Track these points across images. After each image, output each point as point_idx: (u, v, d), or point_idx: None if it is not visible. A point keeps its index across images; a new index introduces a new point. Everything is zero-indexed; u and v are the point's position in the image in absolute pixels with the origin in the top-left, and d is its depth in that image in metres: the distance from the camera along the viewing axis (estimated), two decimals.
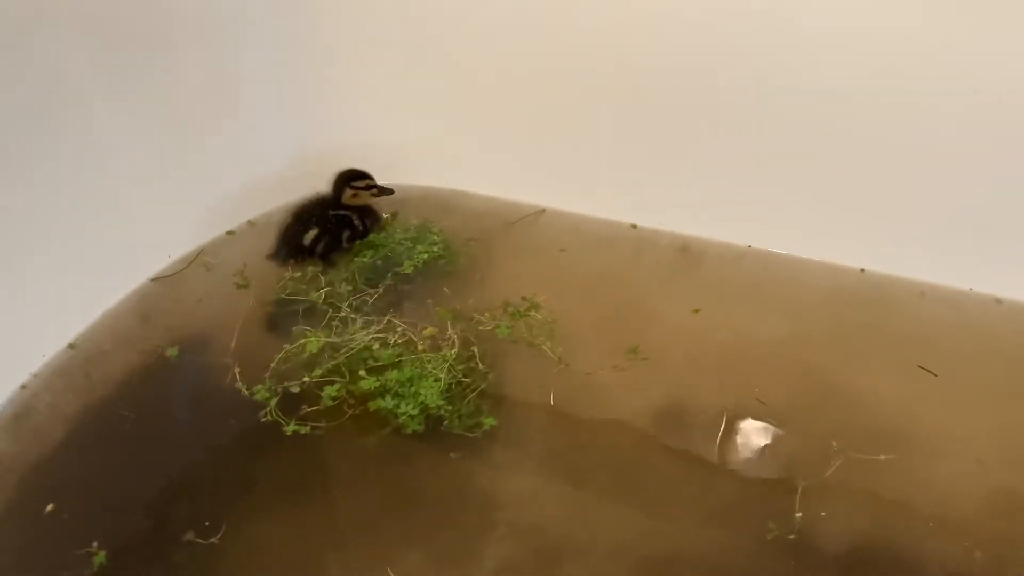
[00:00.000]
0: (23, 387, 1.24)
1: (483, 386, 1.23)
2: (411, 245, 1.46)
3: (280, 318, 1.36)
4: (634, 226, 1.53)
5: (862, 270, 1.43)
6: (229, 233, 1.53)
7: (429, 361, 1.22)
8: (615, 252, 1.50)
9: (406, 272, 1.41)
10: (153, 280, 1.43)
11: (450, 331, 1.29)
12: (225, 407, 1.22)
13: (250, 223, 1.55)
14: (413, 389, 1.18)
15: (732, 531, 1.09)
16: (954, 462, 1.17)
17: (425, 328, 1.30)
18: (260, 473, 1.14)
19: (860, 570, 1.06)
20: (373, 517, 1.10)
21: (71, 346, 1.30)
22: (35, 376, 1.25)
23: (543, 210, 1.57)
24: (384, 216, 1.54)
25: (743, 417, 1.22)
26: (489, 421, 1.18)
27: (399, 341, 1.27)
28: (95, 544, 1.05)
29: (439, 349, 1.26)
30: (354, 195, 1.49)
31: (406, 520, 1.09)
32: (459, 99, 1.56)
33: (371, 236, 1.49)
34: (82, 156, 1.32)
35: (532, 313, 1.36)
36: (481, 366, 1.25)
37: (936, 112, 1.30)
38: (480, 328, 1.32)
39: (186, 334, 1.34)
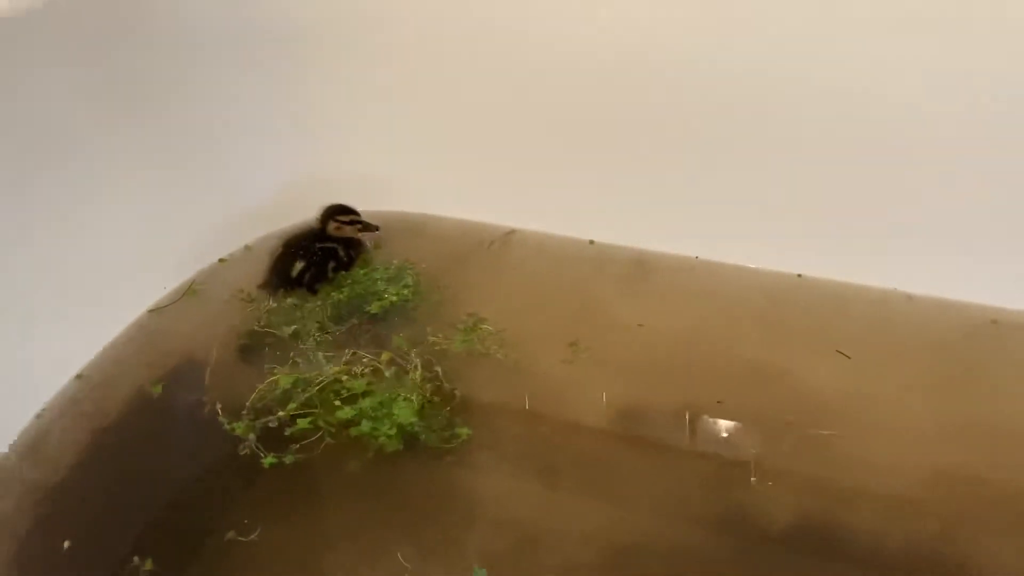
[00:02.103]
0: (38, 416, 1.26)
1: (453, 402, 1.25)
2: (384, 287, 1.46)
3: (256, 351, 1.37)
4: (592, 242, 1.57)
5: (799, 275, 1.47)
6: (221, 261, 1.55)
7: (398, 386, 1.25)
8: (576, 267, 1.53)
9: (373, 312, 1.42)
10: (151, 311, 1.45)
11: (412, 355, 1.31)
12: (213, 438, 1.23)
13: (246, 247, 1.58)
14: (387, 412, 1.21)
15: (689, 514, 1.13)
16: (893, 440, 1.22)
17: (383, 354, 1.32)
18: (254, 498, 1.16)
19: (807, 543, 1.10)
20: (363, 523, 1.13)
21: (79, 376, 1.32)
22: (48, 406, 1.28)
23: (512, 231, 1.60)
24: (369, 247, 1.55)
25: (698, 411, 1.26)
26: (464, 431, 1.21)
27: (365, 372, 1.29)
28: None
29: (405, 374, 1.28)
30: (338, 228, 1.50)
31: (394, 523, 1.12)
32: (434, 129, 1.59)
33: (353, 271, 1.50)
34: (80, 191, 1.34)
35: (485, 327, 1.38)
36: (447, 384, 1.27)
37: (865, 127, 1.34)
38: (440, 348, 1.34)
39: (173, 366, 1.36)
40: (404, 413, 1.20)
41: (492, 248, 1.57)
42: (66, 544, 1.10)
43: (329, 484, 1.17)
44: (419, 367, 1.29)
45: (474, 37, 1.48)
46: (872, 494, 1.15)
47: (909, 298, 1.43)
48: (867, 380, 1.31)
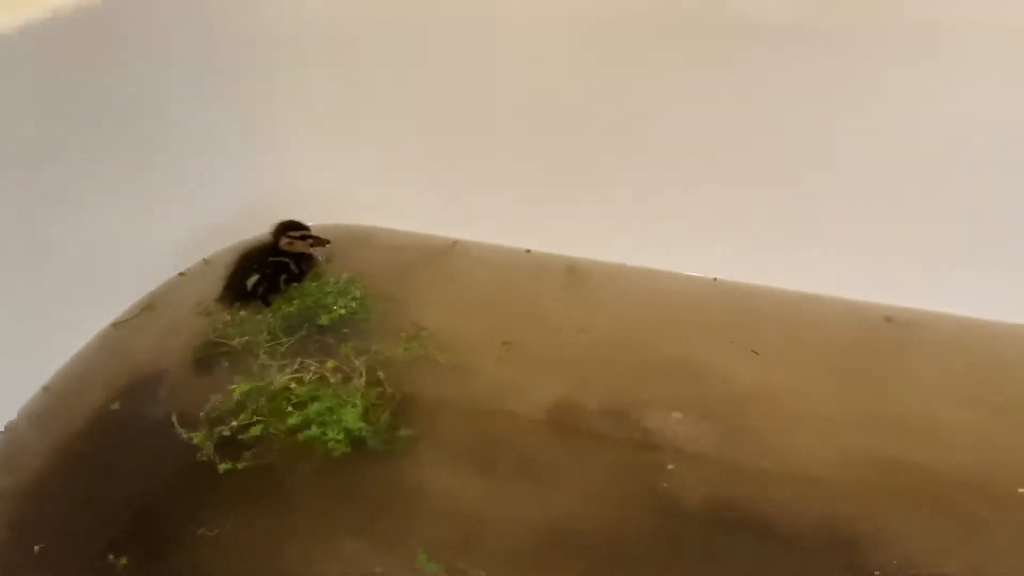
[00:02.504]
0: (5, 429, 1.30)
1: (395, 405, 1.31)
2: (334, 299, 1.51)
3: (212, 362, 1.42)
4: (528, 251, 1.64)
5: (715, 279, 1.57)
6: (181, 275, 1.60)
7: (344, 392, 1.31)
8: (513, 275, 1.60)
9: (322, 324, 1.47)
10: (114, 325, 1.49)
11: (356, 363, 1.38)
12: (174, 446, 1.28)
13: (205, 261, 1.63)
14: (334, 417, 1.27)
15: (618, 500, 1.20)
16: (803, 428, 1.30)
17: (328, 362, 1.37)
18: (215, 500, 1.20)
19: (725, 524, 1.17)
20: (318, 519, 1.18)
21: (45, 388, 1.36)
22: (16, 418, 1.31)
23: (455, 241, 1.67)
24: (320, 261, 1.60)
25: (625, 406, 1.33)
26: (406, 432, 1.28)
27: (313, 379, 1.35)
28: None
29: (351, 381, 1.34)
30: (290, 243, 1.55)
31: (345, 518, 1.17)
32: (382, 144, 1.65)
33: (305, 284, 1.55)
34: (42, 206, 1.35)
35: (427, 334, 1.45)
36: (389, 389, 1.34)
37: (770, 138, 1.44)
38: (384, 356, 1.41)
39: (135, 377, 1.40)
40: (350, 418, 1.26)
41: (429, 259, 1.64)
42: (36, 548, 1.13)
43: (283, 485, 1.22)
44: (364, 374, 1.35)
45: (418, 57, 1.55)
46: (785, 478, 1.23)
47: (813, 298, 1.52)
48: (778, 373, 1.40)
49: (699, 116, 1.46)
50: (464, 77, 1.55)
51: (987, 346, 1.43)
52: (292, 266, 1.55)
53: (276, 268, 1.54)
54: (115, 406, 1.35)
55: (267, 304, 1.52)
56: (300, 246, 1.56)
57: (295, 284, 1.55)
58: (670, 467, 1.24)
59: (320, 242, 1.58)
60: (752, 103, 1.42)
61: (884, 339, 1.45)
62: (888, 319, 1.48)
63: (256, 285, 1.52)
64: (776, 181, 1.47)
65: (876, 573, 1.11)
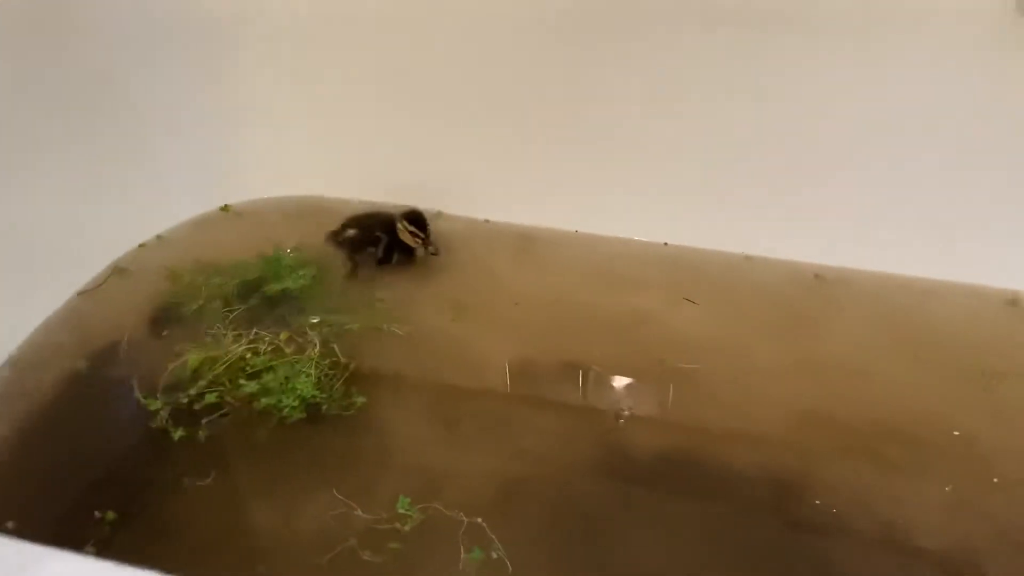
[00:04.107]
0: None
1: (348, 373, 1.33)
2: (290, 271, 1.50)
3: (172, 330, 1.42)
4: (487, 220, 1.65)
5: (665, 244, 1.59)
6: (141, 246, 1.59)
7: (297, 361, 1.32)
8: (470, 244, 1.61)
9: (274, 293, 1.47)
10: (79, 294, 1.48)
11: (311, 333, 1.38)
12: (139, 413, 1.28)
13: (158, 237, 1.61)
14: (290, 385, 1.28)
15: (571, 450, 1.24)
16: (744, 377, 1.34)
17: (282, 334, 1.38)
18: (170, 468, 1.22)
19: (673, 473, 1.21)
20: (294, 472, 1.21)
21: (12, 358, 1.36)
22: None
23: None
24: (417, 259, 1.54)
25: (579, 363, 1.36)
26: (360, 399, 1.29)
27: (268, 349, 1.35)
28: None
29: (304, 351, 1.35)
30: (402, 231, 1.52)
31: (317, 473, 1.20)
32: (343, 115, 1.63)
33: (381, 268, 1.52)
34: (5, 178, 1.35)
35: (381, 303, 1.46)
36: (343, 358, 1.35)
37: (709, 110, 1.45)
38: (339, 325, 1.41)
39: (99, 346, 1.40)
40: (305, 387, 1.27)
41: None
42: (10, 524, 1.13)
43: (249, 449, 1.24)
44: (318, 344, 1.36)
45: (374, 28, 1.53)
46: (727, 428, 1.27)
47: (748, 259, 1.55)
48: (721, 330, 1.43)
49: (648, 91, 1.46)
50: (419, 50, 1.53)
51: (909, 301, 1.46)
52: (382, 248, 1.52)
53: (367, 238, 1.52)
54: (80, 375, 1.35)
55: (352, 263, 1.52)
56: (408, 239, 1.52)
57: (378, 263, 1.53)
58: (621, 421, 1.28)
59: (429, 247, 1.52)
60: (695, 78, 1.42)
61: (813, 295, 1.48)
62: (817, 276, 1.51)
63: (347, 238, 1.52)
64: (719, 153, 1.48)
65: (817, 502, 1.16)
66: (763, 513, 1.17)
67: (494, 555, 1.10)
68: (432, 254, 1.52)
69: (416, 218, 1.52)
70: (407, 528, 1.13)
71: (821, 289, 1.49)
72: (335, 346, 1.37)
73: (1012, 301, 1.44)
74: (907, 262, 1.47)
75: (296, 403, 1.26)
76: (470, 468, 1.22)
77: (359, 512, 1.14)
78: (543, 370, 1.37)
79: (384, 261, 1.52)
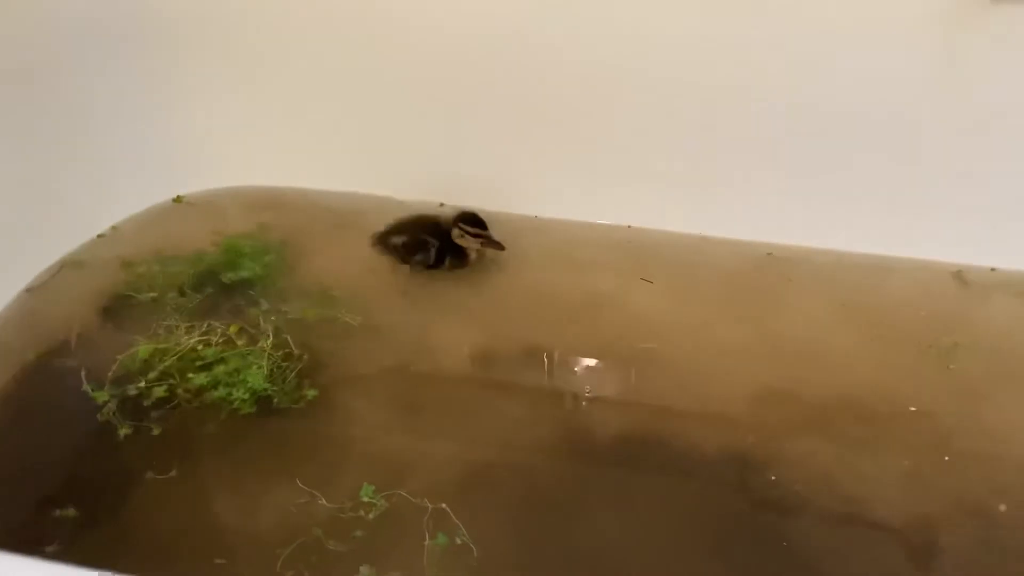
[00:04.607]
0: None
1: (300, 365, 1.30)
2: (245, 260, 1.47)
3: (125, 322, 1.38)
4: (442, 204, 1.61)
5: (629, 226, 1.57)
6: (99, 237, 1.55)
7: (249, 353, 1.29)
8: None
9: (229, 283, 1.44)
10: (28, 291, 1.44)
11: (264, 325, 1.35)
12: (90, 407, 1.25)
13: (112, 228, 1.57)
14: (241, 378, 1.25)
15: (535, 433, 1.23)
16: (702, 355, 1.34)
17: (231, 327, 1.34)
18: (125, 462, 1.19)
19: (635, 454, 1.21)
20: (245, 468, 1.18)
21: None
22: None
23: (372, 197, 1.62)
24: (471, 261, 1.49)
25: (540, 347, 1.36)
26: (311, 392, 1.26)
27: (220, 341, 1.32)
28: None
29: (257, 343, 1.32)
30: (460, 236, 1.46)
31: (274, 466, 1.18)
32: (290, 105, 1.59)
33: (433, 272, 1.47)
34: None
35: (334, 293, 1.43)
36: (296, 350, 1.32)
37: (648, 94, 1.45)
38: (292, 317, 1.38)
39: (50, 340, 1.36)
40: (256, 380, 1.25)
41: (342, 218, 1.60)
42: None
43: (204, 443, 1.21)
44: (271, 335, 1.33)
45: (323, 14, 1.50)
46: (687, 408, 1.28)
47: (704, 239, 1.55)
48: (679, 310, 1.43)
49: (606, 75, 1.45)
50: (368, 34, 1.50)
51: (860, 277, 1.47)
52: (432, 252, 1.47)
53: (417, 243, 1.47)
54: (31, 369, 1.32)
55: (406, 264, 1.48)
56: (469, 242, 1.47)
57: (430, 269, 1.47)
58: (583, 403, 1.28)
59: (493, 244, 1.47)
60: (638, 67, 1.42)
61: (766, 272, 1.49)
62: (769, 254, 1.52)
63: (400, 244, 1.47)
64: (672, 135, 1.48)
65: (776, 477, 1.16)
66: (725, 490, 1.17)
67: (458, 540, 1.09)
68: (500, 248, 1.47)
69: (472, 219, 1.46)
70: (371, 516, 1.12)
71: (774, 267, 1.50)
72: (288, 337, 1.34)
73: (957, 274, 1.46)
74: (855, 239, 1.48)
75: (246, 396, 1.24)
76: (434, 455, 1.21)
77: (323, 501, 1.13)
78: (504, 355, 1.36)
79: (435, 266, 1.47)
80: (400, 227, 1.50)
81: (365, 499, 1.13)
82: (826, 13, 1.32)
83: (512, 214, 1.59)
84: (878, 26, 1.31)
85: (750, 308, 1.43)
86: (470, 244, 1.47)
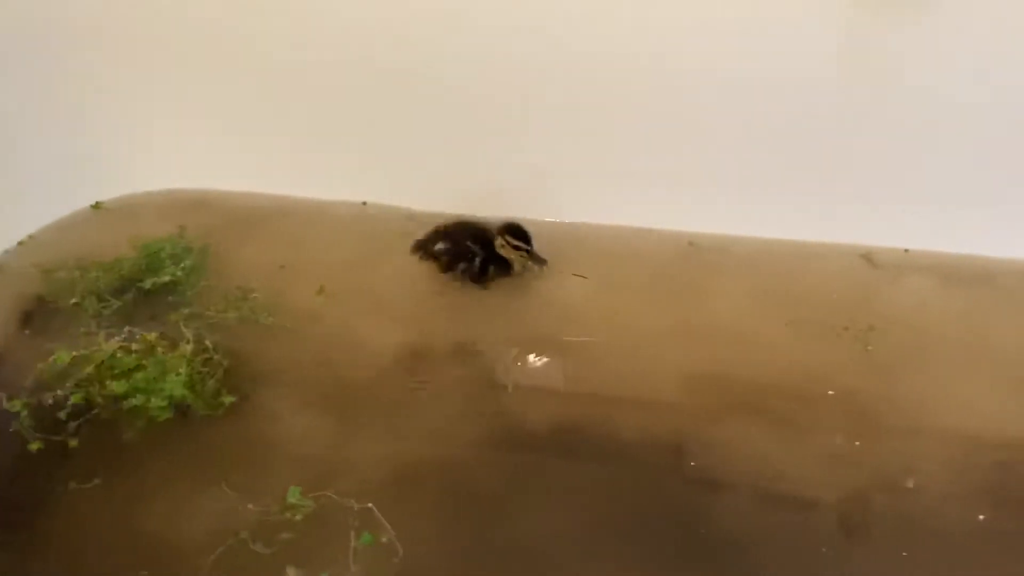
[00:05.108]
0: None
1: (220, 371, 1.28)
2: (165, 264, 1.45)
3: (44, 328, 1.36)
4: (364, 203, 1.60)
5: (554, 221, 1.56)
6: (21, 244, 1.53)
7: (169, 359, 1.27)
8: (350, 228, 1.56)
9: (149, 288, 1.41)
10: None
11: (184, 330, 1.33)
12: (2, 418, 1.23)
13: (30, 237, 1.54)
14: (159, 385, 1.23)
15: (463, 429, 1.23)
16: (632, 343, 1.35)
17: (150, 334, 1.32)
18: (45, 473, 1.17)
19: (561, 443, 1.22)
20: (177, 472, 1.17)
21: None
22: None
23: (293, 199, 1.60)
24: (514, 273, 1.45)
25: (468, 343, 1.35)
26: (228, 399, 1.25)
27: (140, 347, 1.29)
28: None
29: (176, 348, 1.30)
30: (503, 247, 1.43)
31: (196, 472, 1.16)
32: (209, 108, 1.57)
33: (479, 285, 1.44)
34: None
35: (255, 296, 1.41)
36: (216, 355, 1.30)
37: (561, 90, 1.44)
38: (213, 321, 1.36)
39: None
40: (174, 385, 1.23)
41: (265, 219, 1.57)
42: None
43: (123, 451, 1.20)
44: (191, 341, 1.31)
45: (241, 18, 1.47)
46: (616, 395, 1.28)
47: (629, 230, 1.55)
48: (606, 299, 1.43)
49: (524, 70, 1.44)
50: (288, 37, 1.47)
51: (779, 263, 1.49)
52: (476, 262, 1.43)
53: (460, 251, 1.43)
54: None
55: (446, 272, 1.44)
56: (511, 254, 1.43)
57: (471, 279, 1.44)
58: (514, 397, 1.28)
59: (536, 260, 1.44)
60: (555, 50, 1.41)
61: (689, 261, 1.50)
62: (691, 243, 1.53)
63: (440, 251, 1.44)
64: (599, 125, 1.48)
65: (705, 461, 1.18)
66: (655, 475, 1.18)
67: (384, 539, 1.09)
68: (542, 263, 1.44)
69: (518, 231, 1.43)
70: (299, 517, 1.11)
71: (696, 255, 1.51)
72: (208, 342, 1.32)
73: (867, 256, 1.49)
74: (773, 226, 1.50)
75: (164, 403, 1.22)
76: (361, 454, 1.20)
77: (250, 505, 1.12)
78: (432, 352, 1.35)
79: (479, 277, 1.44)
80: (442, 234, 1.46)
81: (292, 501, 1.12)
82: (734, 3, 1.33)
83: (434, 213, 1.56)
84: (785, 15, 1.32)
85: (674, 297, 1.44)
86: (512, 256, 1.44)
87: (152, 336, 1.31)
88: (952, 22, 1.28)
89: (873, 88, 1.36)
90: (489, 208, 1.52)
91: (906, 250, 1.48)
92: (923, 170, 1.41)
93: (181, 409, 1.23)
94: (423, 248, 1.47)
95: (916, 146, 1.39)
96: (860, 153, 1.41)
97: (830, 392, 1.27)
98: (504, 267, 1.44)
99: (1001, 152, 1.38)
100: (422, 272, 1.48)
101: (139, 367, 1.26)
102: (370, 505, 1.13)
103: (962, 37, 1.29)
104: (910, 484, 1.16)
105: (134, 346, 1.29)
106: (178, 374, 1.24)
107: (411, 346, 1.36)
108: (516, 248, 1.42)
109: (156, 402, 1.21)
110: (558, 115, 1.47)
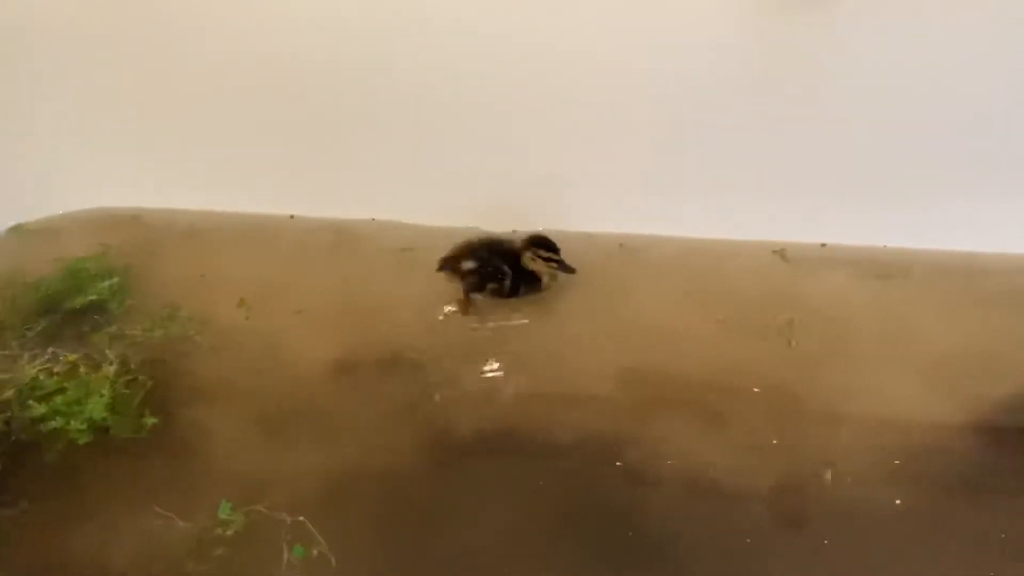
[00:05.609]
0: None
1: (144, 392, 1.26)
2: (91, 284, 1.42)
3: None
4: (292, 216, 1.59)
5: (475, 227, 1.54)
6: None
7: (92, 381, 1.24)
8: (278, 241, 1.55)
9: (74, 308, 1.39)
10: None
11: (108, 351, 1.31)
12: None
13: None
14: (80, 408, 1.20)
15: (392, 440, 1.23)
16: (565, 348, 1.36)
17: (69, 356, 1.30)
18: None
19: (491, 447, 1.23)
20: (108, 494, 1.15)
21: None
22: None
23: (218, 214, 1.58)
24: (544, 287, 1.42)
25: (395, 353, 1.35)
26: (149, 420, 1.23)
27: (62, 370, 1.27)
28: None
29: (100, 369, 1.28)
30: (532, 260, 1.40)
31: (128, 492, 1.15)
32: (136, 127, 1.54)
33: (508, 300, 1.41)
34: None
35: (183, 314, 1.39)
36: (140, 376, 1.28)
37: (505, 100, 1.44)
38: (139, 340, 1.35)
39: None
40: (96, 408, 1.21)
41: (196, 235, 1.55)
42: None
43: (50, 474, 1.18)
44: (114, 361, 1.29)
45: (161, 39, 1.45)
46: (547, 397, 1.29)
47: (563, 234, 1.51)
48: (533, 301, 1.44)
49: (438, 81, 1.44)
50: (209, 55, 1.46)
51: (703, 262, 1.51)
52: (507, 281, 1.40)
53: (491, 272, 1.40)
54: None
55: (467, 297, 1.41)
56: (541, 266, 1.40)
57: (501, 298, 1.41)
58: (443, 404, 1.28)
59: (566, 269, 1.41)
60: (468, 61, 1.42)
61: (621, 262, 1.51)
62: (621, 245, 1.55)
63: (468, 272, 1.40)
64: (521, 129, 1.48)
65: (618, 464, 1.19)
66: (589, 473, 1.20)
67: (315, 552, 1.09)
68: (572, 271, 1.42)
69: (546, 242, 1.41)
70: (231, 533, 1.11)
71: (628, 255, 1.52)
72: (132, 363, 1.30)
73: (781, 252, 1.52)
74: (696, 225, 1.52)
75: (83, 426, 1.20)
76: (292, 468, 1.20)
77: (180, 523, 1.12)
78: (361, 363, 1.34)
79: (512, 294, 1.42)
80: (468, 251, 1.43)
81: (223, 517, 1.12)
82: (641, 11, 1.34)
83: (356, 220, 1.58)
84: (696, 19, 1.34)
85: (605, 296, 1.45)
86: (542, 268, 1.42)
87: (74, 357, 1.29)
88: (857, 19, 1.31)
89: (784, 87, 1.39)
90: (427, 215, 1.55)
91: (823, 244, 1.51)
92: (838, 166, 1.45)
93: (103, 431, 1.21)
94: (451, 266, 1.43)
95: (830, 143, 1.43)
96: (777, 151, 1.44)
97: (755, 389, 1.30)
98: (533, 282, 1.43)
99: (912, 145, 1.42)
100: (348, 282, 1.47)
101: (61, 389, 1.24)
102: (302, 518, 1.12)
103: (869, 34, 1.32)
104: (831, 473, 1.19)
105: (56, 368, 1.27)
106: (100, 396, 1.22)
107: (339, 357, 1.36)
108: (547, 260, 1.41)
109: (76, 425, 1.19)
110: (466, 120, 1.48)
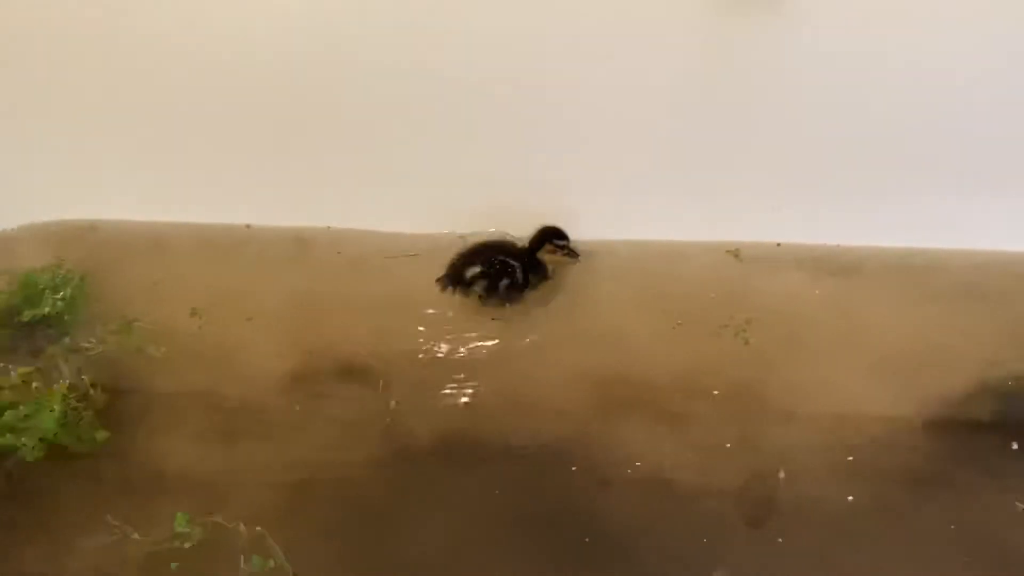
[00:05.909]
0: None
1: (98, 405, 1.25)
2: (45, 296, 1.40)
3: None
4: (248, 226, 1.57)
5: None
6: None
7: (44, 396, 1.23)
8: (235, 251, 1.53)
9: (27, 321, 1.37)
10: None
11: (61, 365, 1.30)
12: None
13: None
14: (31, 423, 1.19)
15: (349, 449, 1.23)
16: (520, 354, 1.36)
17: (21, 369, 1.28)
18: None
19: (451, 454, 1.23)
20: (48, 516, 1.15)
21: None
22: None
23: (174, 225, 1.55)
24: (550, 275, 1.45)
25: (349, 361, 1.34)
26: (101, 435, 1.22)
27: (15, 384, 1.26)
28: None
29: (53, 383, 1.26)
30: (552, 251, 1.43)
31: (82, 507, 1.14)
32: (90, 139, 1.51)
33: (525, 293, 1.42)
34: None
35: (139, 324, 1.38)
36: (92, 390, 1.27)
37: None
38: (94, 353, 1.33)
39: None
40: (47, 423, 1.19)
41: (151, 247, 1.53)
42: None
43: (3, 489, 1.17)
44: (67, 375, 1.28)
45: (115, 51, 1.42)
46: (506, 403, 1.29)
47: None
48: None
49: (390, 87, 1.43)
50: (164, 68, 1.43)
51: (657, 264, 1.51)
52: (518, 273, 1.41)
53: (501, 269, 1.41)
54: None
55: (483, 302, 1.41)
56: (546, 256, 1.44)
57: (517, 292, 1.42)
58: (400, 411, 1.27)
59: (572, 254, 1.45)
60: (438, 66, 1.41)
61: (575, 267, 1.49)
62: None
63: (475, 278, 1.40)
64: (469, 131, 1.47)
65: (573, 468, 1.20)
66: (547, 477, 1.20)
67: (272, 563, 1.09)
68: (576, 257, 1.46)
69: (560, 232, 1.44)
70: (187, 545, 1.11)
71: (581, 261, 1.50)
72: (85, 376, 1.29)
73: (735, 252, 1.52)
74: (654, 227, 1.51)
75: (34, 442, 1.19)
76: (248, 479, 1.20)
77: (136, 536, 1.11)
78: (316, 371, 1.34)
79: (523, 287, 1.43)
80: (465, 259, 1.44)
81: (179, 529, 1.12)
82: (590, 12, 1.34)
83: (305, 226, 1.56)
84: (648, 19, 1.33)
85: (562, 302, 1.45)
86: (547, 257, 1.46)
87: (27, 371, 1.28)
88: (806, 20, 1.31)
89: (736, 88, 1.39)
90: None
91: (778, 244, 1.52)
92: (791, 166, 1.46)
93: (56, 446, 1.20)
94: (455, 280, 1.43)
95: (783, 143, 1.43)
96: (729, 152, 1.44)
97: (715, 391, 1.31)
98: (540, 271, 1.46)
99: (865, 144, 1.43)
100: (304, 290, 1.46)
101: (12, 405, 1.22)
102: (259, 528, 1.12)
103: (820, 34, 1.33)
104: (786, 471, 1.21)
105: (8, 382, 1.26)
106: (51, 411, 1.21)
107: (294, 367, 1.35)
108: (561, 248, 1.44)
109: (27, 440, 1.18)
110: (420, 125, 1.47)
